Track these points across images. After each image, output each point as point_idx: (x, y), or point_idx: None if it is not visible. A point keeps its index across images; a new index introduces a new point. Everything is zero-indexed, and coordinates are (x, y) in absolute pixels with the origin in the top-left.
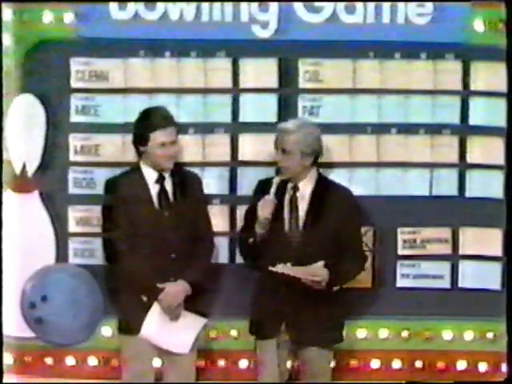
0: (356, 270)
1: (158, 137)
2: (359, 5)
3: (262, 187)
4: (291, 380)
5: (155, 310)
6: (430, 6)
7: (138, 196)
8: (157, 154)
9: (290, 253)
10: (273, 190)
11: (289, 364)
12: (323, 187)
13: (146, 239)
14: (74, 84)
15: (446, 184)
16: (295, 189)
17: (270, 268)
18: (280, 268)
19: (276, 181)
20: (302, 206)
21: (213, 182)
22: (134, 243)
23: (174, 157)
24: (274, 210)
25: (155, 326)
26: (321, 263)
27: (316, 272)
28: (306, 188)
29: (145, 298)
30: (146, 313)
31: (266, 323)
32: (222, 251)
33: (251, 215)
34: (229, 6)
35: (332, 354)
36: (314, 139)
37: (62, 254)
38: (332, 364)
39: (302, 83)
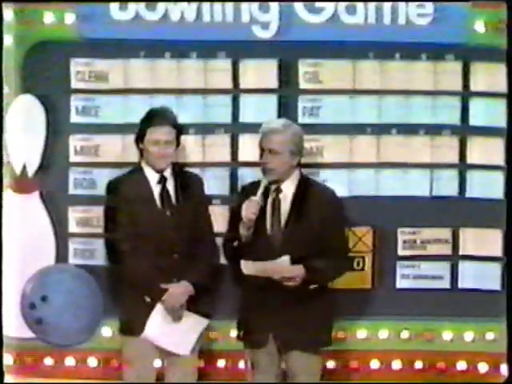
0: (337, 270)
1: (152, 133)
2: (360, 5)
3: (246, 192)
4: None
5: (158, 311)
6: (430, 6)
7: (140, 196)
8: (150, 151)
9: (271, 254)
10: (260, 191)
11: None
12: (305, 188)
13: (148, 240)
14: (74, 85)
15: (446, 184)
16: (278, 190)
17: (246, 272)
18: (248, 268)
19: (264, 183)
20: (285, 207)
21: (213, 183)
22: (136, 244)
23: (168, 157)
24: (260, 212)
25: (158, 326)
26: (286, 257)
27: (285, 268)
28: (288, 189)
29: (148, 299)
30: (149, 313)
31: (256, 331)
32: (222, 252)
33: (235, 219)
34: (229, 7)
35: (320, 358)
36: (300, 138)
37: (62, 255)
38: (332, 365)
39: (302, 84)
